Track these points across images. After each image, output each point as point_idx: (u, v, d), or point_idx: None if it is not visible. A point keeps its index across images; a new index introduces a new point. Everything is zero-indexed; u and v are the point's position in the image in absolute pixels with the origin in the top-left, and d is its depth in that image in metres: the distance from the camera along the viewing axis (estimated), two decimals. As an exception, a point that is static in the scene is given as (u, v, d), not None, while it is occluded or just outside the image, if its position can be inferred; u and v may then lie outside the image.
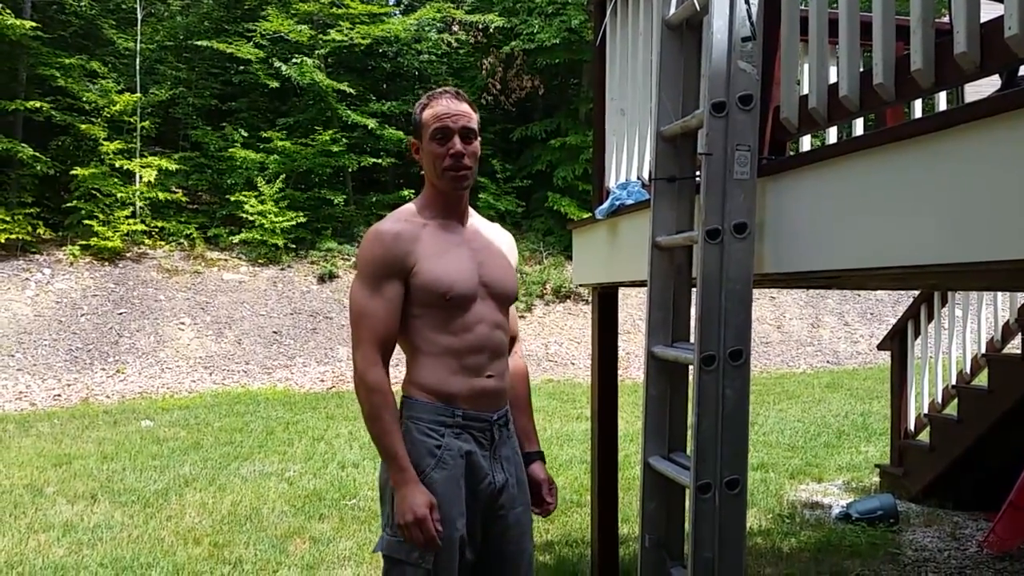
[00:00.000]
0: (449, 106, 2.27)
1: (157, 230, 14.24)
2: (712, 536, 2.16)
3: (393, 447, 2.18)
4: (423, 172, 2.38)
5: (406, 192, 15.80)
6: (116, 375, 11.42)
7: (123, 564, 4.53)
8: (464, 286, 2.26)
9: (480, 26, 17.28)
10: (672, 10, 2.46)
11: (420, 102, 2.35)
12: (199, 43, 15.66)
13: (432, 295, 2.23)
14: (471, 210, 2.46)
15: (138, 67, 15.10)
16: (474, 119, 2.31)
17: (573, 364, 13.10)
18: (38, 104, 13.52)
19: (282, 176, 14.96)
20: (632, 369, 12.55)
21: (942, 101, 3.64)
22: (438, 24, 17.67)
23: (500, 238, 2.50)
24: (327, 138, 15.05)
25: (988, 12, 1.68)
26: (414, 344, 2.29)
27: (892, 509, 5.19)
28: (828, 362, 14.21)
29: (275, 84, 15.53)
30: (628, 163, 3.37)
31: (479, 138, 2.34)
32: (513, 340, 2.55)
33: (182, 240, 14.31)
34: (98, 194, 13.76)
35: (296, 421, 8.97)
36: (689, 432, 2.27)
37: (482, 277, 2.31)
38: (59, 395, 10.73)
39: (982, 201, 1.56)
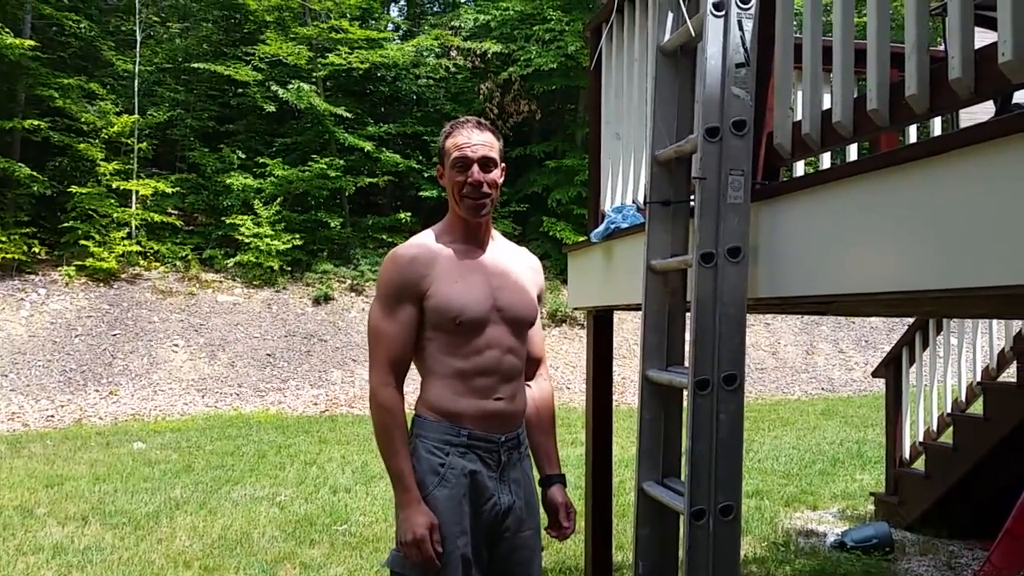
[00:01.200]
0: (470, 136, 2.32)
1: (152, 251, 14.23)
2: (706, 563, 2.14)
3: (399, 467, 2.24)
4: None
5: (403, 215, 15.84)
6: (109, 397, 11.37)
7: (111, 588, 4.49)
8: (475, 311, 2.29)
9: (478, 52, 17.39)
10: (667, 36, 2.48)
11: (444, 130, 2.41)
12: (197, 66, 15.73)
13: (443, 318, 2.27)
14: (497, 234, 2.51)
15: (136, 89, 15.15)
16: (495, 147, 2.35)
17: (568, 388, 13.06)
18: (36, 124, 13.55)
19: (279, 199, 14.97)
20: (627, 394, 12.51)
21: (936, 127, 3.65)
22: (436, 50, 17.78)
23: (524, 263, 2.52)
24: (323, 165, 15.10)
25: (982, 39, 1.69)
26: (426, 365, 2.34)
27: (887, 537, 5.15)
28: (823, 389, 14.20)
29: (272, 108, 15.60)
30: (623, 187, 3.37)
31: (501, 166, 2.37)
32: (538, 363, 2.60)
33: (177, 262, 14.29)
34: (94, 215, 13.77)
35: (288, 445, 8.92)
36: (683, 457, 2.26)
37: (497, 302, 2.34)
38: (52, 416, 10.67)
39: (978, 226, 1.56)
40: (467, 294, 2.29)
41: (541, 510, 2.49)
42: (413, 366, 2.39)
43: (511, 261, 2.47)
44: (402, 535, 2.19)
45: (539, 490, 2.52)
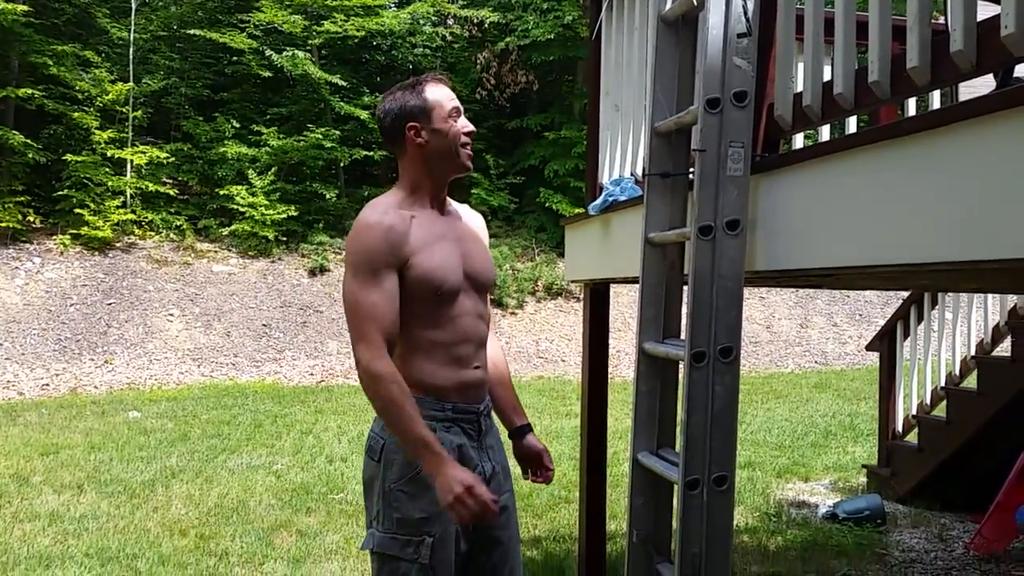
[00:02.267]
0: (447, 90, 2.33)
1: (147, 221, 14.18)
2: (699, 532, 2.16)
3: (422, 435, 2.09)
4: (403, 157, 2.33)
5: (398, 187, 15.75)
6: (104, 366, 11.37)
7: (109, 554, 4.52)
8: (454, 280, 2.24)
9: (475, 21, 17.24)
10: (668, 5, 2.46)
11: (415, 88, 2.33)
12: (192, 33, 15.58)
13: (425, 289, 2.20)
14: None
15: (131, 56, 15.01)
16: None
17: (564, 361, 13.10)
18: (30, 92, 13.44)
19: (273, 168, 14.89)
20: (622, 367, 12.56)
21: (936, 100, 3.64)
22: (432, 18, 17.61)
23: (475, 223, 2.49)
24: (319, 135, 15.00)
25: (984, 11, 1.68)
26: (403, 338, 2.24)
27: (879, 509, 5.20)
28: (816, 362, 14.25)
29: (268, 74, 15.47)
30: (622, 159, 3.36)
31: None
32: (488, 321, 2.55)
33: (172, 231, 14.25)
34: (89, 183, 13.69)
35: (284, 414, 8.95)
36: (678, 428, 2.27)
37: (466, 269, 2.30)
38: (47, 385, 10.68)
39: (977, 200, 1.55)
40: (445, 263, 2.23)
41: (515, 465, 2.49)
42: None
43: (467, 224, 2.43)
44: (447, 492, 2.04)
45: (510, 442, 2.51)
